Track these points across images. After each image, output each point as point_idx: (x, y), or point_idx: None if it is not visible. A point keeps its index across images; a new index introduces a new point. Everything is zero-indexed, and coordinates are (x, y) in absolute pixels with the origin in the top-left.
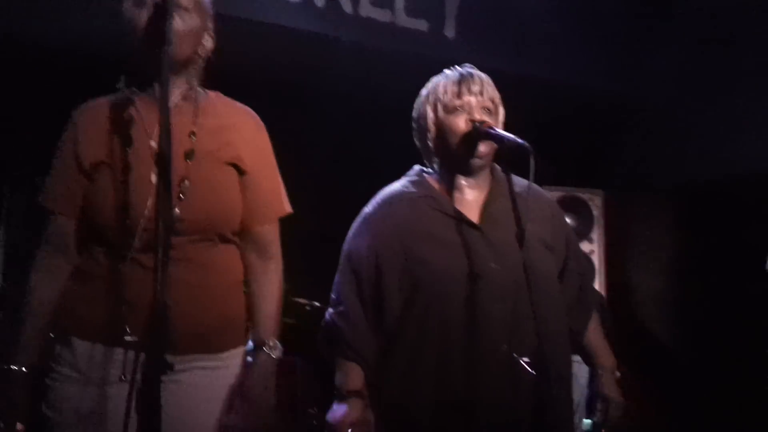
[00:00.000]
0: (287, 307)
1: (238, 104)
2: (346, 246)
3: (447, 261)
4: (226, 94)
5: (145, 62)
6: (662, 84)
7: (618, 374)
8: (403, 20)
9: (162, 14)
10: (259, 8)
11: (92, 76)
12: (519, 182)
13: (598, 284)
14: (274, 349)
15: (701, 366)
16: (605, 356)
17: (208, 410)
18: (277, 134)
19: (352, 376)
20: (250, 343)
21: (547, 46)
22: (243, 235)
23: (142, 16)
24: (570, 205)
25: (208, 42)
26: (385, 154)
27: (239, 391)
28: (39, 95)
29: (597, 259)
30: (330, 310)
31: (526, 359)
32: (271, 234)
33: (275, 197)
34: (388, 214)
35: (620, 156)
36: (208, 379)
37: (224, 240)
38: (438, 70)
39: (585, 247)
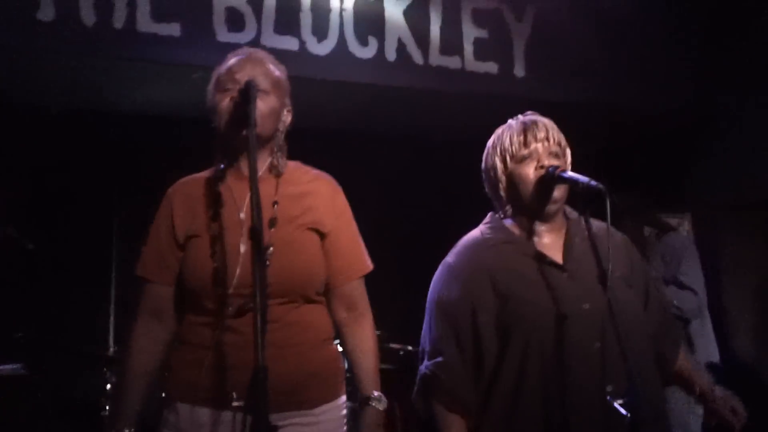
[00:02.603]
0: (384, 354)
1: (316, 171)
2: (433, 296)
3: (537, 303)
4: (307, 152)
5: (230, 141)
6: (737, 96)
7: (719, 389)
8: (473, 65)
9: (245, 99)
10: (330, 67)
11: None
12: (594, 223)
13: None
14: (380, 402)
15: None
16: (701, 377)
17: None
18: (360, 185)
19: (456, 428)
20: (358, 397)
21: (617, 75)
22: (332, 294)
23: (226, 101)
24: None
25: (287, 117)
26: (468, 195)
27: None
28: (139, 164)
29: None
30: (426, 362)
31: (619, 401)
32: (357, 290)
33: (357, 256)
34: (474, 260)
35: (703, 175)
36: None
37: (308, 301)
38: (510, 109)
39: None
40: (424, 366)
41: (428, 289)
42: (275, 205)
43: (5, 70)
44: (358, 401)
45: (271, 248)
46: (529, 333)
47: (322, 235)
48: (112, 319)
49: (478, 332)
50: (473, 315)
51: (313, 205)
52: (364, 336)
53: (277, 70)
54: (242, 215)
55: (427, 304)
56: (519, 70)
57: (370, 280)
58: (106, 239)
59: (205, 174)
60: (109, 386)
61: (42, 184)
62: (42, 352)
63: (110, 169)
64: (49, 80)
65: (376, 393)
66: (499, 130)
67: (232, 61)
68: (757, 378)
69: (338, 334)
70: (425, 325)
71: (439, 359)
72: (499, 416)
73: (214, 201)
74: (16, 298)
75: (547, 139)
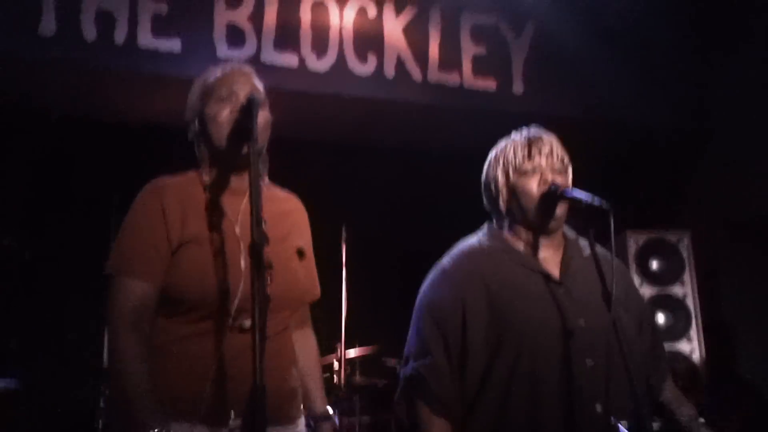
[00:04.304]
0: (378, 368)
1: (282, 190)
2: (425, 299)
3: (536, 315)
4: (306, 164)
5: (225, 155)
6: (735, 117)
7: (702, 420)
8: (471, 81)
9: (248, 114)
10: (330, 83)
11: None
12: (587, 245)
13: (695, 327)
14: (334, 416)
15: None
16: (687, 406)
17: None
18: (358, 199)
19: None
20: (315, 414)
21: (615, 91)
22: None
23: (225, 112)
24: (657, 248)
25: (269, 131)
26: (465, 210)
27: None
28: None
29: (691, 302)
30: (411, 362)
31: (624, 422)
32: (307, 311)
33: (316, 279)
34: (469, 266)
35: (702, 194)
36: None
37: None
38: (508, 125)
39: (677, 290)
40: (410, 367)
41: None
42: (264, 223)
43: (5, 78)
44: (314, 418)
45: (273, 266)
46: (522, 346)
47: (301, 256)
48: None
49: (466, 339)
50: (463, 320)
51: (294, 226)
52: (314, 349)
53: (260, 85)
54: (238, 230)
55: (417, 307)
56: (518, 87)
57: (368, 291)
58: (102, 250)
59: (186, 178)
60: (102, 400)
61: (39, 192)
62: (36, 364)
63: (108, 179)
64: (50, 90)
65: (329, 409)
66: (501, 143)
67: (219, 73)
68: (761, 396)
69: None
70: (412, 328)
71: (426, 361)
72: (485, 427)
73: (211, 211)
74: (11, 309)
75: (551, 154)
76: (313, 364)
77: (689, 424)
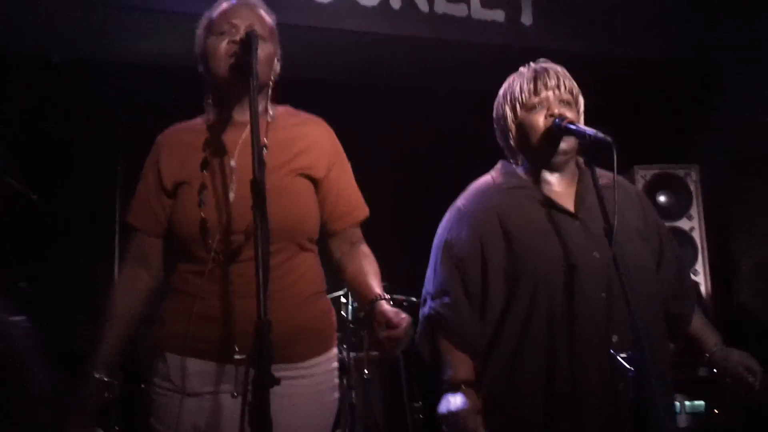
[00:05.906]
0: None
1: (306, 114)
2: (441, 239)
3: (550, 250)
4: (310, 102)
5: (225, 87)
6: (745, 51)
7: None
8: (479, 12)
9: (247, 49)
10: (334, 16)
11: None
12: (605, 174)
13: (701, 262)
14: (389, 300)
15: None
16: (714, 333)
17: (294, 418)
18: (364, 137)
19: (463, 366)
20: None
21: (624, 24)
22: (331, 238)
23: (223, 44)
24: (666, 182)
25: (278, 66)
26: (473, 146)
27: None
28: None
29: (698, 236)
30: (430, 302)
31: (623, 354)
32: (356, 233)
33: (355, 201)
34: (484, 204)
35: (711, 129)
36: (292, 389)
37: (303, 249)
38: (518, 58)
39: (684, 224)
40: (428, 307)
41: (432, 240)
42: (264, 150)
43: (7, 19)
44: (368, 304)
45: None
46: (538, 281)
47: (314, 181)
48: (115, 270)
49: (486, 275)
50: (482, 258)
51: (304, 150)
52: (366, 256)
53: (268, 16)
54: (233, 163)
55: (434, 247)
56: (526, 18)
57: (374, 231)
58: (109, 190)
59: (195, 121)
60: None
61: (44, 135)
62: (44, 303)
63: (113, 120)
64: (52, 29)
65: (385, 295)
66: (510, 78)
67: (225, 5)
68: (764, 332)
69: (338, 271)
70: (430, 268)
71: (446, 299)
72: (503, 363)
73: (204, 148)
74: (20, 249)
75: (558, 87)
76: (359, 269)
77: (719, 352)
